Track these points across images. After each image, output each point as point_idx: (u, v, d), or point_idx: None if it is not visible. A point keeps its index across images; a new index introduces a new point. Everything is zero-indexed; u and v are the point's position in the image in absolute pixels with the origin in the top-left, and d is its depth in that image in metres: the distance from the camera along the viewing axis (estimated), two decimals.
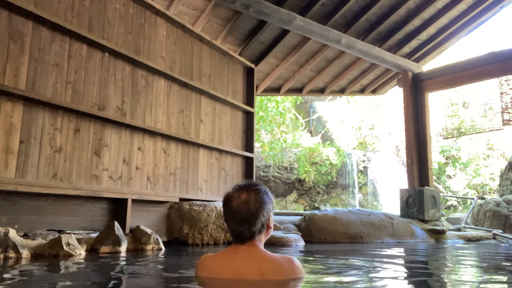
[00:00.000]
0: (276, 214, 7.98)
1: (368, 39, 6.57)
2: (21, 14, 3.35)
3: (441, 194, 7.16)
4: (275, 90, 7.67)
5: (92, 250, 3.22)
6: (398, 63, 6.70)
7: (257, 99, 11.33)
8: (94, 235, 3.42)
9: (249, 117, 6.16)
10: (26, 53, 3.37)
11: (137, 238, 3.64)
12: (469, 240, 5.84)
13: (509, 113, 9.39)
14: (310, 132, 15.23)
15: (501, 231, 6.30)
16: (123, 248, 3.33)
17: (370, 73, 7.77)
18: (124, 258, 2.98)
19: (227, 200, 1.73)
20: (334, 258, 3.18)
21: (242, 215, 1.67)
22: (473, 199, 8.15)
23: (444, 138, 12.59)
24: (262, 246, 1.76)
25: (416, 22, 6.58)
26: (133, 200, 4.07)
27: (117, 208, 3.99)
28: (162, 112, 4.65)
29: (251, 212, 1.67)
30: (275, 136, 13.01)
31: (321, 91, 8.09)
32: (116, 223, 3.41)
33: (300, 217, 5.58)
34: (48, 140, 3.48)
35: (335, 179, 12.22)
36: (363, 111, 15.35)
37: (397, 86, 7.36)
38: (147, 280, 2.10)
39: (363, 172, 12.46)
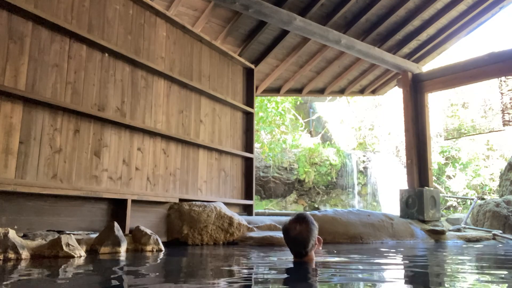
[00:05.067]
0: (276, 214, 7.99)
1: (367, 39, 6.58)
2: (21, 14, 3.35)
3: (441, 194, 7.15)
4: (275, 90, 7.68)
5: (92, 251, 3.22)
6: (397, 64, 6.70)
7: (257, 99, 11.34)
8: (94, 235, 3.42)
9: (249, 118, 6.16)
10: (26, 53, 3.37)
11: (137, 238, 3.64)
12: (468, 240, 5.83)
13: (509, 113, 9.40)
14: (310, 132, 15.24)
15: (500, 231, 6.30)
16: (122, 248, 3.33)
17: (369, 73, 7.77)
18: (124, 259, 2.98)
19: (286, 231, 2.50)
20: (334, 258, 3.17)
21: (299, 241, 2.45)
22: (472, 199, 8.15)
23: (445, 139, 12.60)
24: (313, 256, 2.54)
25: (416, 22, 6.58)
26: (133, 201, 4.07)
27: (117, 208, 3.99)
28: (162, 112, 4.65)
29: (304, 239, 2.44)
30: (275, 136, 13.02)
31: (320, 91, 8.10)
32: (115, 224, 3.41)
33: None
34: (48, 140, 3.48)
35: (335, 180, 12.23)
36: (362, 112, 15.36)
37: (396, 86, 7.36)
38: (147, 281, 2.10)
39: (363, 172, 12.46)
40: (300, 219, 2.48)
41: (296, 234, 2.44)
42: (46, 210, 3.45)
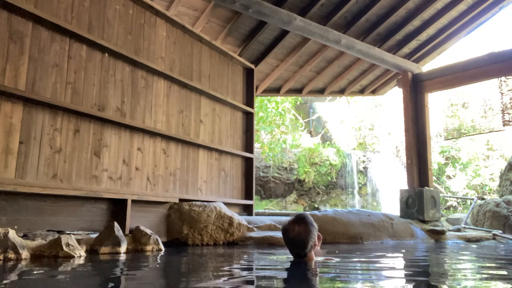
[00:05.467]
0: (276, 214, 7.98)
1: (367, 39, 6.58)
2: (21, 14, 3.35)
3: (441, 194, 7.15)
4: (274, 90, 7.67)
5: (92, 251, 3.22)
6: (397, 64, 6.70)
7: (257, 99, 11.34)
8: (94, 235, 3.42)
9: (249, 118, 6.16)
10: (26, 53, 3.37)
11: (137, 238, 3.64)
12: (468, 240, 5.83)
13: (509, 113, 9.40)
14: (310, 132, 15.24)
15: (500, 231, 6.30)
16: (122, 248, 3.33)
17: (369, 73, 7.77)
18: (124, 259, 2.98)
19: (285, 232, 2.50)
20: (334, 259, 3.17)
21: (297, 242, 2.45)
22: (472, 199, 8.15)
23: (445, 139, 12.60)
24: (313, 256, 2.53)
25: (416, 22, 6.58)
26: (133, 201, 4.07)
27: (117, 208, 3.99)
28: (162, 112, 4.65)
29: (303, 240, 2.43)
30: (275, 136, 13.02)
31: (320, 91, 8.10)
32: (115, 224, 3.41)
33: None
34: (48, 140, 3.48)
35: (335, 180, 12.23)
36: (362, 112, 15.36)
37: (396, 86, 7.36)
38: (146, 281, 2.10)
39: (363, 172, 12.46)
40: (299, 220, 2.48)
41: (295, 235, 2.45)
42: (46, 210, 3.45)
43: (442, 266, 3.01)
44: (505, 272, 2.64)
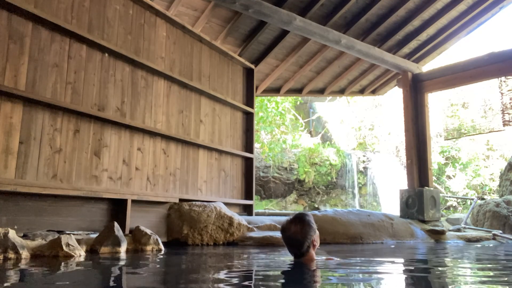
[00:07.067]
0: (276, 214, 7.98)
1: (367, 39, 6.58)
2: (21, 14, 3.35)
3: (441, 194, 7.15)
4: (275, 90, 7.67)
5: (92, 251, 3.22)
6: (397, 64, 6.70)
7: (257, 99, 11.33)
8: (94, 235, 3.42)
9: (249, 118, 6.16)
10: (26, 53, 3.37)
11: (137, 238, 3.64)
12: (468, 240, 5.83)
13: (509, 113, 9.40)
14: (310, 132, 15.24)
15: (500, 231, 6.30)
16: (122, 248, 3.33)
17: (369, 73, 7.77)
18: (124, 259, 2.98)
19: (283, 231, 2.52)
20: (335, 259, 3.17)
21: (294, 242, 2.47)
22: (472, 199, 8.15)
23: (445, 139, 12.60)
24: (314, 256, 2.53)
25: (416, 22, 6.58)
26: (133, 201, 4.07)
27: (117, 208, 3.99)
28: (162, 112, 4.65)
29: (299, 240, 2.44)
30: (275, 136, 13.01)
31: (320, 91, 8.10)
32: (115, 224, 3.41)
33: None
34: (48, 140, 3.48)
35: (334, 180, 12.22)
36: (362, 112, 15.35)
37: (396, 86, 7.36)
38: (146, 281, 2.10)
39: (363, 172, 12.46)
40: (296, 220, 2.50)
41: (291, 234, 2.47)
42: (46, 210, 3.45)
43: (442, 267, 3.01)
44: (504, 273, 2.64)
